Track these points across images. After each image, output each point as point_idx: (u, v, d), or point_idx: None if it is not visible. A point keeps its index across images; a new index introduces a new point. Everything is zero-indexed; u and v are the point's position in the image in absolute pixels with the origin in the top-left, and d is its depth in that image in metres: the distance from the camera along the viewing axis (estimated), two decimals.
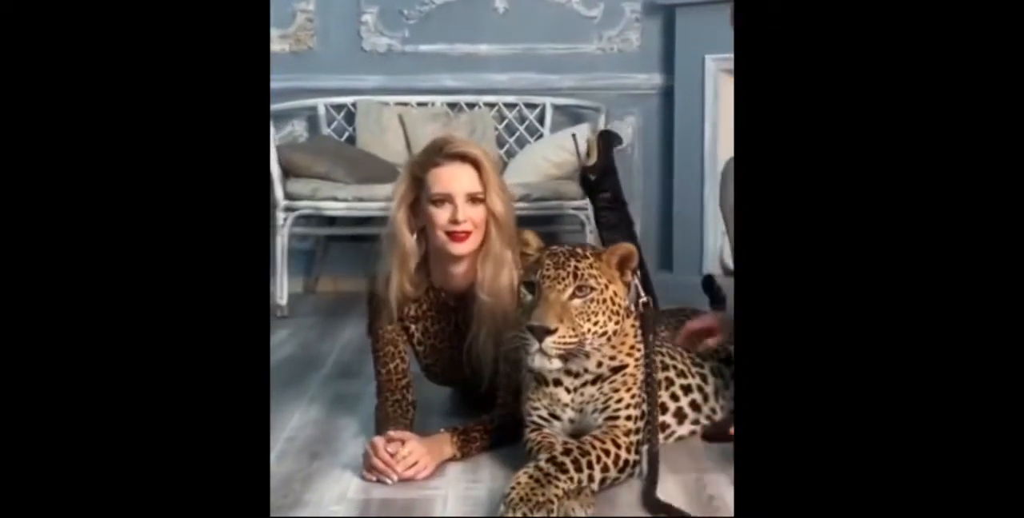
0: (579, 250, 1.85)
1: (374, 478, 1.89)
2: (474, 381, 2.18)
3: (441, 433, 2.00)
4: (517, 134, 4.06)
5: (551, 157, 3.76)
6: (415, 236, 2.10)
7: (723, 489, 1.84)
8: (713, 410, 2.18)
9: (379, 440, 1.91)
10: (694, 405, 2.13)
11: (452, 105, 4.05)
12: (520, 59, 4.10)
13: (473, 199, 2.05)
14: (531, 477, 1.68)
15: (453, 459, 1.98)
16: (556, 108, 4.05)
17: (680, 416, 2.11)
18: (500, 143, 4.04)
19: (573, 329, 1.78)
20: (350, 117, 4.01)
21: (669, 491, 1.83)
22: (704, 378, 2.17)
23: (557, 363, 1.81)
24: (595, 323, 1.81)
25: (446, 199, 2.05)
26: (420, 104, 4.04)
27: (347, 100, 4.01)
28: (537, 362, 1.80)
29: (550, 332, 1.76)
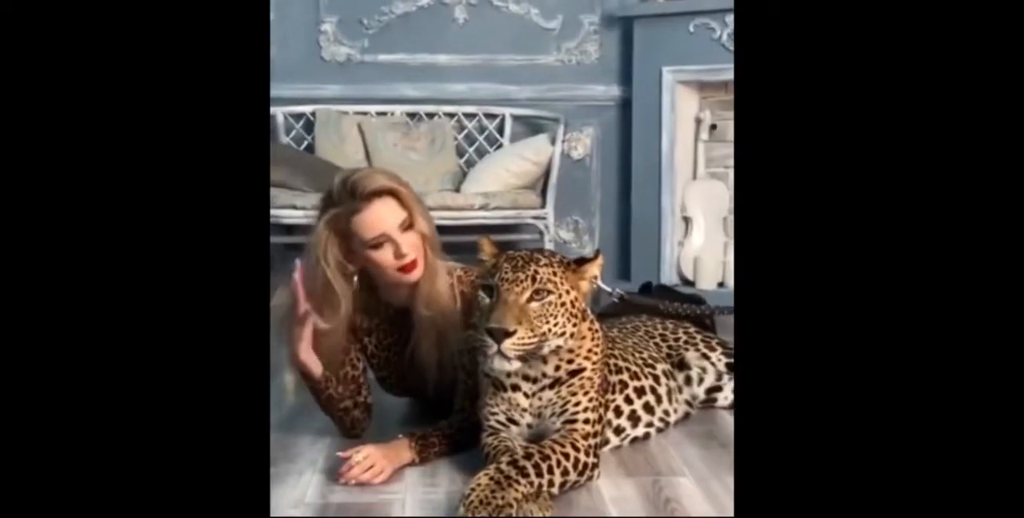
0: (537, 255, 1.87)
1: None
2: (422, 388, 2.19)
3: (400, 439, 2.00)
4: (477, 144, 4.08)
5: (511, 167, 3.80)
6: (355, 279, 2.08)
7: (680, 492, 1.86)
8: (667, 413, 2.20)
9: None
10: (647, 407, 2.16)
11: (412, 115, 4.06)
12: (479, 70, 4.12)
13: (405, 227, 2.03)
14: (492, 479, 1.69)
15: (412, 464, 1.98)
16: (515, 119, 4.07)
17: (634, 419, 2.13)
18: (460, 153, 4.05)
19: (532, 330, 1.80)
20: (309, 126, 4.00)
21: (626, 494, 1.85)
22: (657, 380, 2.20)
23: (516, 364, 1.81)
24: (554, 324, 1.83)
25: (383, 240, 2.01)
26: (380, 113, 4.05)
27: (306, 109, 4.00)
28: (496, 364, 1.80)
29: (509, 334, 1.77)
